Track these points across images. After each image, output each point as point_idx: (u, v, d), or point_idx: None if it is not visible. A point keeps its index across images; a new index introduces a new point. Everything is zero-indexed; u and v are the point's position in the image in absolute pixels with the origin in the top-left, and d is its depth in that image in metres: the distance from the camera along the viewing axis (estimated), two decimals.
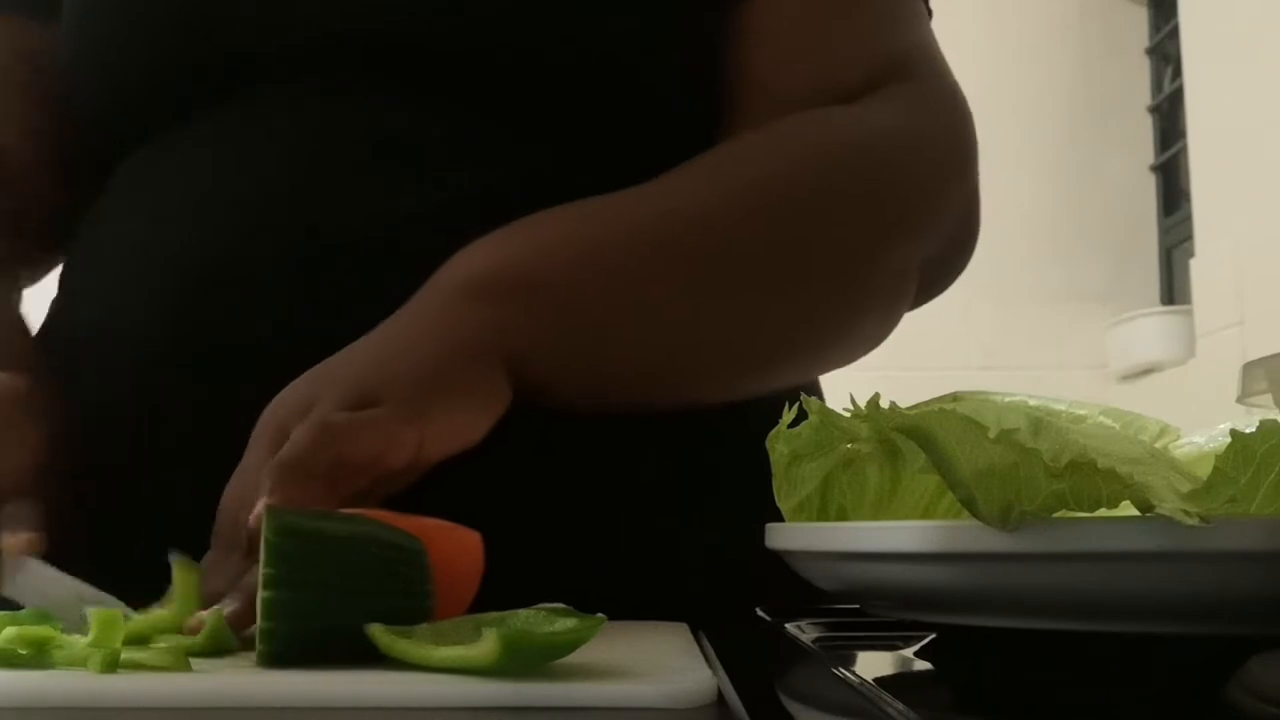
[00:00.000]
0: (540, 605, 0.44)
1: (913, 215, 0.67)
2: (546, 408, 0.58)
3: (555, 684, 0.38)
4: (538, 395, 0.57)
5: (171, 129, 0.67)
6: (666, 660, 0.43)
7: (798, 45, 0.69)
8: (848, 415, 0.44)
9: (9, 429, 0.58)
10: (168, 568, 0.48)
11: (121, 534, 0.63)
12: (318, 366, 0.56)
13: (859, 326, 0.67)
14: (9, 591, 0.53)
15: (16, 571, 0.53)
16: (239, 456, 0.61)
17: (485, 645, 0.38)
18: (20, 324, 0.68)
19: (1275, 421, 0.37)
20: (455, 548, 0.51)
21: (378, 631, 0.41)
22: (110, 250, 0.68)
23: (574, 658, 0.41)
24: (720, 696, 0.38)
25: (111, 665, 0.40)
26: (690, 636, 0.50)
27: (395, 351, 0.55)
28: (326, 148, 0.64)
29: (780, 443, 0.47)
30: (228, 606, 0.46)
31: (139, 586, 0.54)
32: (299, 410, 0.53)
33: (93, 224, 0.71)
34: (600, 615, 0.41)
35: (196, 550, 0.62)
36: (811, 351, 0.66)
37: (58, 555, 0.54)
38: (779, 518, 0.47)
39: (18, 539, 0.53)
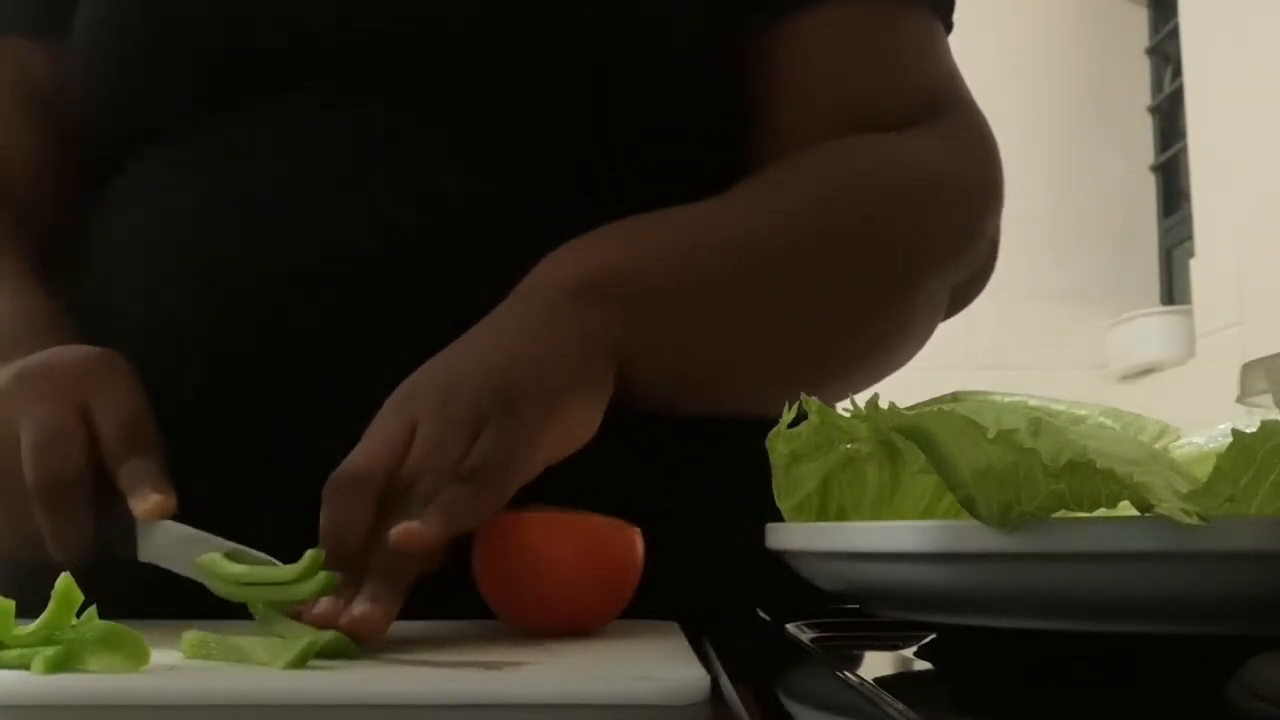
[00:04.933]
0: None
1: (954, 245, 0.70)
2: (629, 408, 0.59)
3: (552, 682, 0.38)
4: (629, 393, 0.58)
5: (179, 131, 0.67)
6: (659, 658, 0.43)
7: (837, 73, 0.70)
8: (847, 415, 0.44)
9: (115, 377, 0.56)
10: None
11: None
12: (443, 358, 0.55)
13: (897, 347, 0.70)
14: (148, 557, 0.50)
15: (152, 536, 0.50)
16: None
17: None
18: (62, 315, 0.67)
19: (1275, 421, 0.37)
20: (623, 544, 0.53)
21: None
22: (115, 250, 0.68)
23: (569, 656, 0.40)
24: (713, 693, 0.38)
25: (57, 666, 0.39)
26: (681, 634, 0.50)
27: (525, 349, 0.55)
28: (324, 154, 0.64)
29: (780, 443, 0.47)
30: (358, 607, 0.45)
31: (144, 587, 0.54)
32: (433, 404, 0.52)
33: (98, 222, 0.71)
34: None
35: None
36: (852, 368, 0.68)
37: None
38: (779, 518, 0.47)
39: (148, 503, 0.50)
